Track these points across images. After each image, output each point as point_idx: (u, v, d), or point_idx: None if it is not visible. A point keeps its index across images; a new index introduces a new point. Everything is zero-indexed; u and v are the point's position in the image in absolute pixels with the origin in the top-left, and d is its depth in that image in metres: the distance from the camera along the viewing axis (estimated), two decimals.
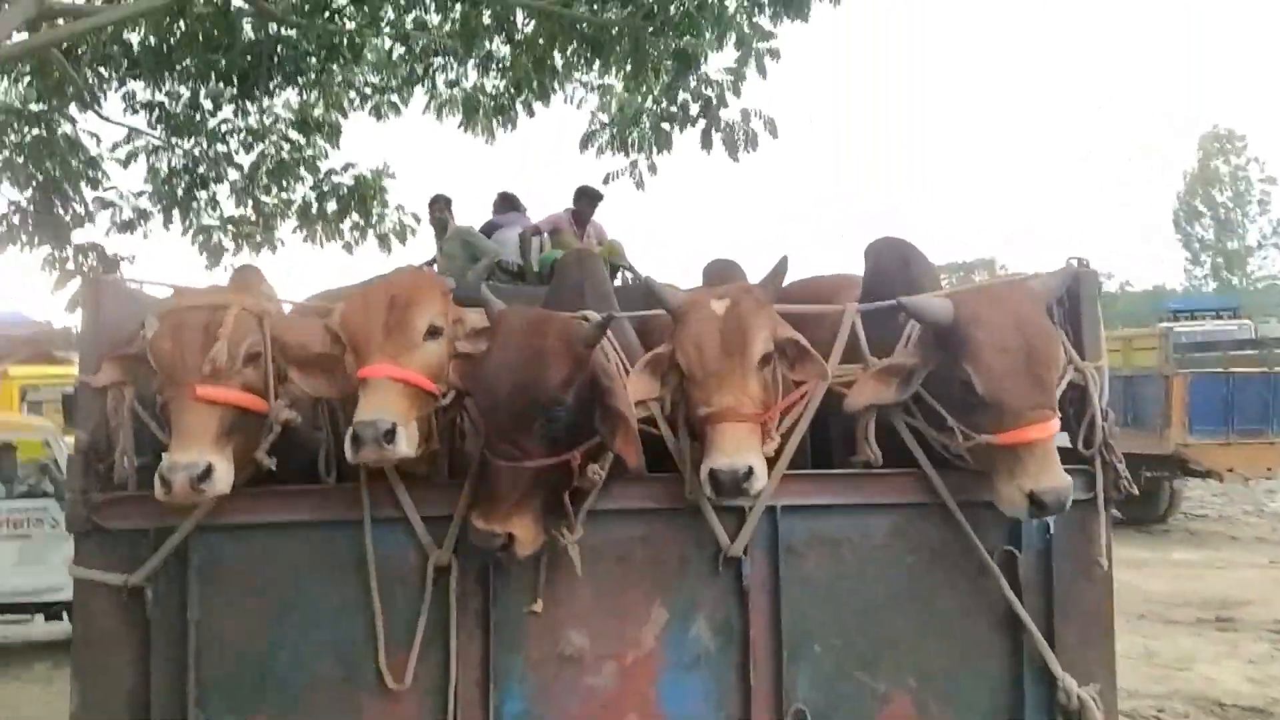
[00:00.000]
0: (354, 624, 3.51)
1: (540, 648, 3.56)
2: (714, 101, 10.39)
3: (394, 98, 12.40)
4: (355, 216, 12.86)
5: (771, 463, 3.44)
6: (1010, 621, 3.62)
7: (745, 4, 9.69)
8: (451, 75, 11.94)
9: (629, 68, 10.46)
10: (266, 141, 12.57)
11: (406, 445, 3.19)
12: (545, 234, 9.30)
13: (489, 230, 9.48)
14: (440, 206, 9.97)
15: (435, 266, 9.15)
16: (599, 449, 3.46)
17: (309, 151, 12.78)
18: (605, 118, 11.60)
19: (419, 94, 12.26)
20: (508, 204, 9.85)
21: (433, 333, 3.42)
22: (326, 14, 10.64)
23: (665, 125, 10.87)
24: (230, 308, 3.42)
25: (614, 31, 10.02)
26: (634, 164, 11.22)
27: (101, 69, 11.50)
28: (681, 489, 3.57)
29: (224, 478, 3.27)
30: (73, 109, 11.96)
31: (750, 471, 3.25)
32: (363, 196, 12.68)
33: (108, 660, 3.50)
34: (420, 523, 3.50)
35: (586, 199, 9.45)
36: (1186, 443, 15.21)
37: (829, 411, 3.71)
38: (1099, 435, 3.57)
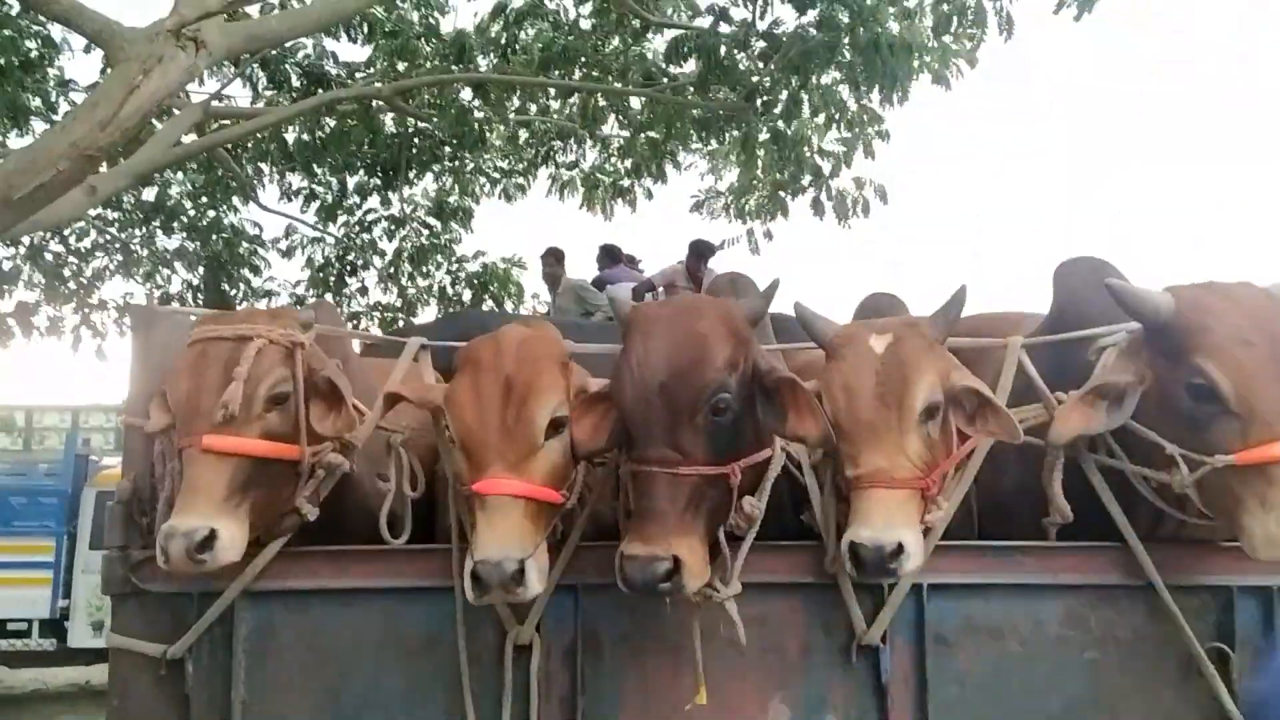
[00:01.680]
0: (422, 710, 2.89)
1: None
2: (823, 172, 10.15)
3: (520, 180, 12.55)
4: (490, 303, 12.86)
5: (925, 534, 2.68)
6: None
7: (845, 83, 9.36)
8: (571, 157, 12.06)
9: (738, 148, 10.46)
10: (407, 228, 12.77)
11: (538, 582, 2.60)
12: (660, 289, 8.88)
13: (599, 285, 9.06)
14: (552, 260, 9.62)
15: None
16: (755, 478, 2.77)
17: (446, 237, 12.91)
18: (720, 185, 11.54)
19: (542, 176, 12.37)
20: (611, 257, 9.54)
21: (557, 426, 2.74)
22: (456, 108, 10.79)
23: (781, 194, 10.65)
24: (253, 340, 2.81)
25: (721, 114, 9.93)
26: (750, 231, 11.14)
27: (260, 164, 12.02)
28: (808, 560, 2.85)
29: (230, 545, 2.64)
30: (235, 200, 12.52)
31: (900, 549, 2.49)
32: (485, 284, 12.76)
33: None
34: None
35: (696, 255, 9.10)
36: None
37: (994, 466, 2.96)
38: None
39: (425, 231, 12.96)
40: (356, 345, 3.90)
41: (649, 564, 2.48)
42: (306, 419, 2.89)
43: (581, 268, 9.87)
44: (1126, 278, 3.11)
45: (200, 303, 12.25)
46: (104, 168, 8.38)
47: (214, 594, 2.88)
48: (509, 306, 12.99)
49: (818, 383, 2.87)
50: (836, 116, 9.75)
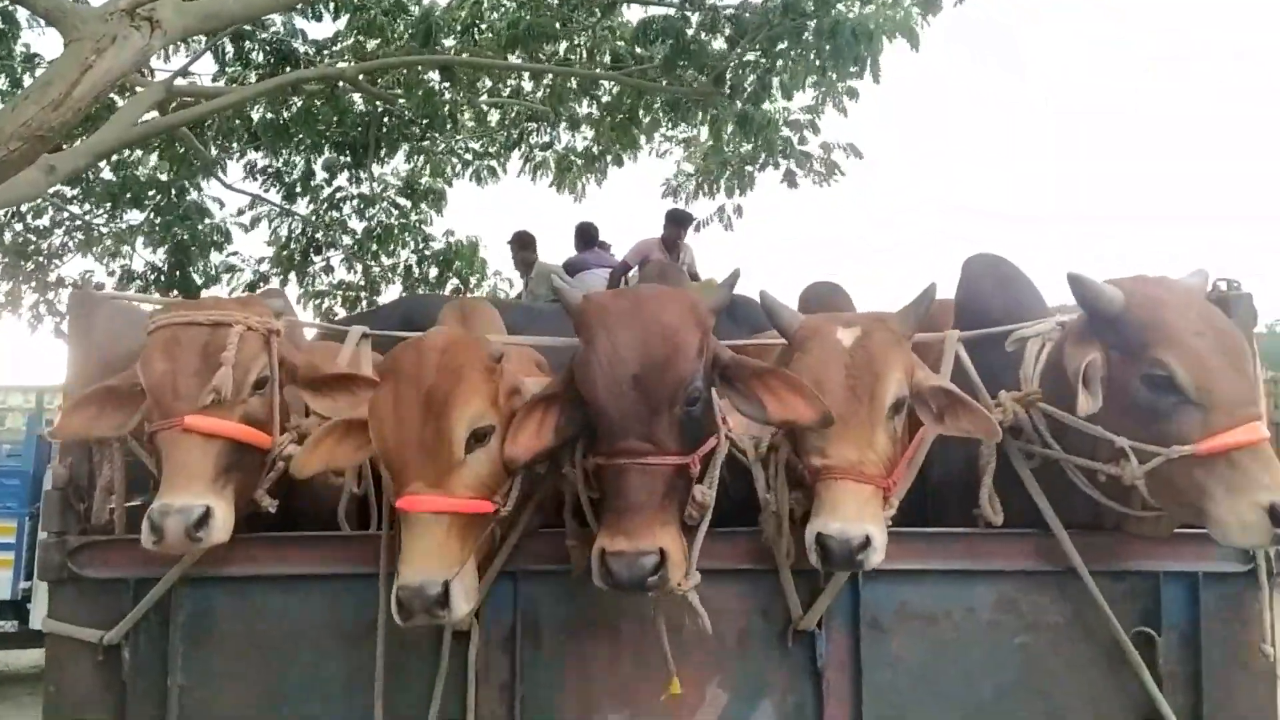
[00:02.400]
0: (359, 696, 2.86)
1: None
2: (792, 143, 10.26)
3: (493, 163, 12.43)
4: (455, 281, 12.91)
5: None
6: None
7: (816, 66, 9.34)
8: (545, 138, 12.03)
9: (704, 127, 10.62)
10: (377, 208, 12.67)
11: (465, 603, 2.53)
12: (636, 268, 8.92)
13: (573, 267, 8.93)
14: (518, 245, 9.49)
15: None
16: (703, 467, 2.71)
17: (415, 218, 12.84)
18: (690, 168, 11.57)
19: (514, 158, 12.32)
20: (585, 239, 9.39)
21: (481, 437, 2.65)
22: (424, 90, 10.77)
23: (749, 168, 10.74)
24: (234, 326, 2.81)
25: (689, 97, 10.00)
26: (720, 208, 11.22)
27: (224, 141, 11.86)
28: (747, 546, 2.86)
29: (223, 524, 2.64)
30: (199, 178, 12.32)
31: (867, 542, 2.50)
32: (450, 261, 12.72)
33: None
34: None
35: (675, 223, 9.04)
36: None
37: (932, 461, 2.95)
38: None
39: (395, 211, 12.89)
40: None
41: (636, 559, 2.44)
42: (280, 406, 2.91)
43: (551, 249, 9.78)
44: (1024, 274, 3.16)
45: (163, 283, 12.13)
46: (64, 147, 8.32)
47: (152, 580, 2.86)
48: (475, 283, 12.99)
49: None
50: (803, 88, 9.82)
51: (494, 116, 12.22)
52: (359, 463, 2.90)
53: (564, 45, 10.66)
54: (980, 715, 2.85)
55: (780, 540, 2.82)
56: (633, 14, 10.47)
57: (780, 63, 9.54)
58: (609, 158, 11.72)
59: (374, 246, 12.83)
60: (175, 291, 11.96)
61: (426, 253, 12.98)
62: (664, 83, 10.08)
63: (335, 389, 2.90)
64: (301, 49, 10.81)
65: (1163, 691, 2.79)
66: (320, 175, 12.48)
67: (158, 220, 12.17)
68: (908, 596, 2.90)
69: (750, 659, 2.89)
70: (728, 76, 9.64)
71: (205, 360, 2.78)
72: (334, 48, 11.05)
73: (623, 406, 2.57)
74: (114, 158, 11.18)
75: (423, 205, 12.94)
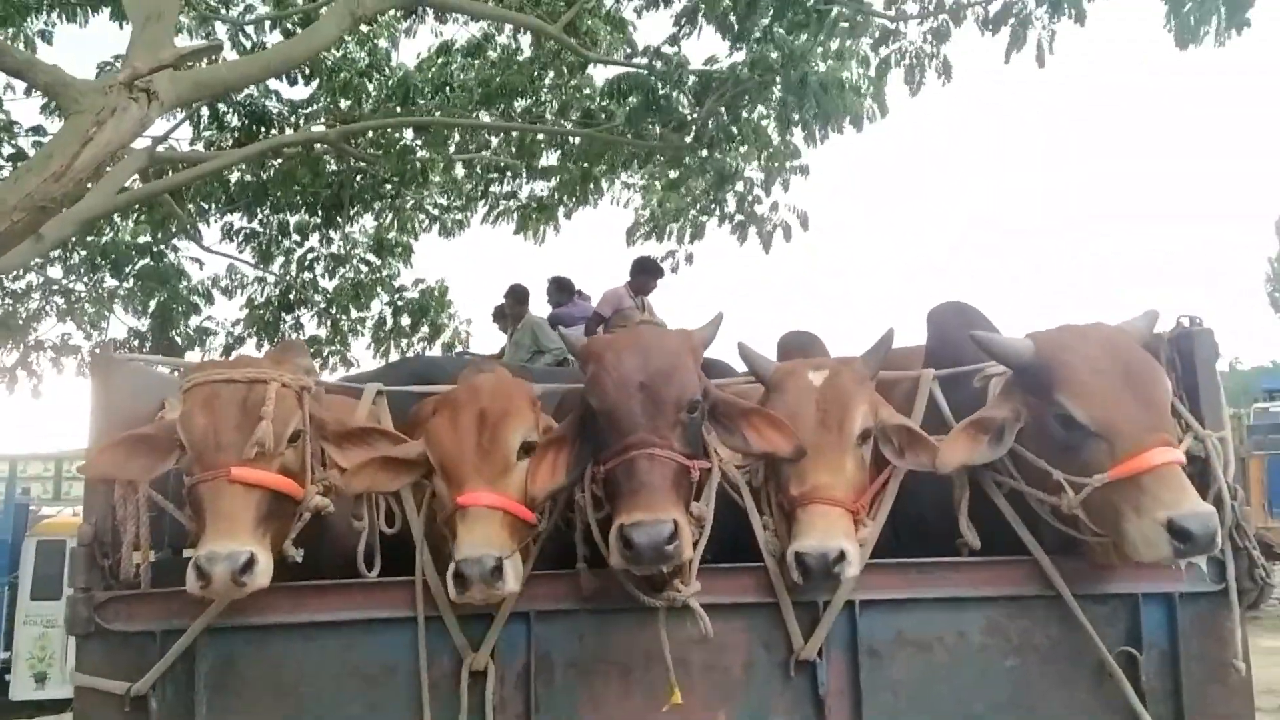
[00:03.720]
0: None
1: None
2: (746, 199, 10.56)
3: (459, 216, 12.77)
4: (425, 329, 13.18)
5: None
6: None
7: (777, 118, 9.67)
8: (508, 188, 12.32)
9: (669, 177, 10.92)
10: (348, 266, 12.91)
11: (514, 580, 2.79)
12: (609, 317, 9.04)
13: (559, 321, 8.94)
14: (517, 300, 9.42)
15: (504, 357, 8.81)
16: (699, 488, 2.95)
17: (385, 272, 13.08)
18: (647, 214, 11.86)
19: (479, 208, 12.61)
20: (563, 290, 9.46)
21: (527, 450, 3.01)
22: (399, 148, 10.98)
23: (703, 218, 11.10)
24: (270, 383, 2.98)
25: (655, 148, 10.24)
26: (671, 253, 11.49)
27: (203, 203, 12.04)
28: (749, 581, 3.03)
29: (265, 569, 2.78)
30: (176, 241, 12.47)
31: (842, 555, 2.74)
32: (425, 308, 12.97)
33: None
34: (454, 621, 2.98)
35: (646, 273, 9.00)
36: (1267, 525, 13.99)
37: (914, 494, 3.14)
38: (1228, 516, 2.91)
39: (365, 269, 13.11)
40: None
41: (655, 526, 2.63)
42: (311, 459, 3.07)
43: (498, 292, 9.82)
44: (988, 319, 3.40)
45: (147, 348, 12.17)
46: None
47: (176, 631, 2.96)
48: (445, 325, 13.21)
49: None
50: (760, 152, 10.19)
51: (460, 170, 12.50)
52: (398, 486, 3.11)
53: (533, 102, 10.91)
54: None
55: (780, 571, 2.98)
56: (601, 73, 10.77)
57: (745, 115, 9.86)
58: (567, 207, 12.07)
59: (345, 302, 13.03)
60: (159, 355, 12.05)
61: (400, 303, 13.21)
62: (630, 135, 10.33)
63: (357, 443, 3.07)
64: (275, 109, 10.98)
65: (1145, 706, 2.95)
66: (294, 236, 12.67)
67: (137, 285, 12.27)
68: (903, 624, 3.04)
69: (755, 689, 3.01)
70: (694, 127, 9.93)
71: (245, 415, 2.93)
72: (309, 109, 11.21)
73: (632, 407, 2.84)
74: (95, 224, 11.27)
75: (390, 260, 13.18)
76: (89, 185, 8.37)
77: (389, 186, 11.90)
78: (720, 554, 3.11)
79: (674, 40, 9.56)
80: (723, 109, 9.72)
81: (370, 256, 13.14)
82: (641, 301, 8.89)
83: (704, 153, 10.14)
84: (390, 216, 12.93)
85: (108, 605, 3.01)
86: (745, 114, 9.96)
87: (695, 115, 9.89)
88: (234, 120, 10.86)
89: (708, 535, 2.93)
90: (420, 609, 3.02)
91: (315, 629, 3.05)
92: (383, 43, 11.00)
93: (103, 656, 3.01)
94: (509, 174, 12.08)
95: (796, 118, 9.24)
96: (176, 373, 3.55)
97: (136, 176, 9.29)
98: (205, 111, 10.72)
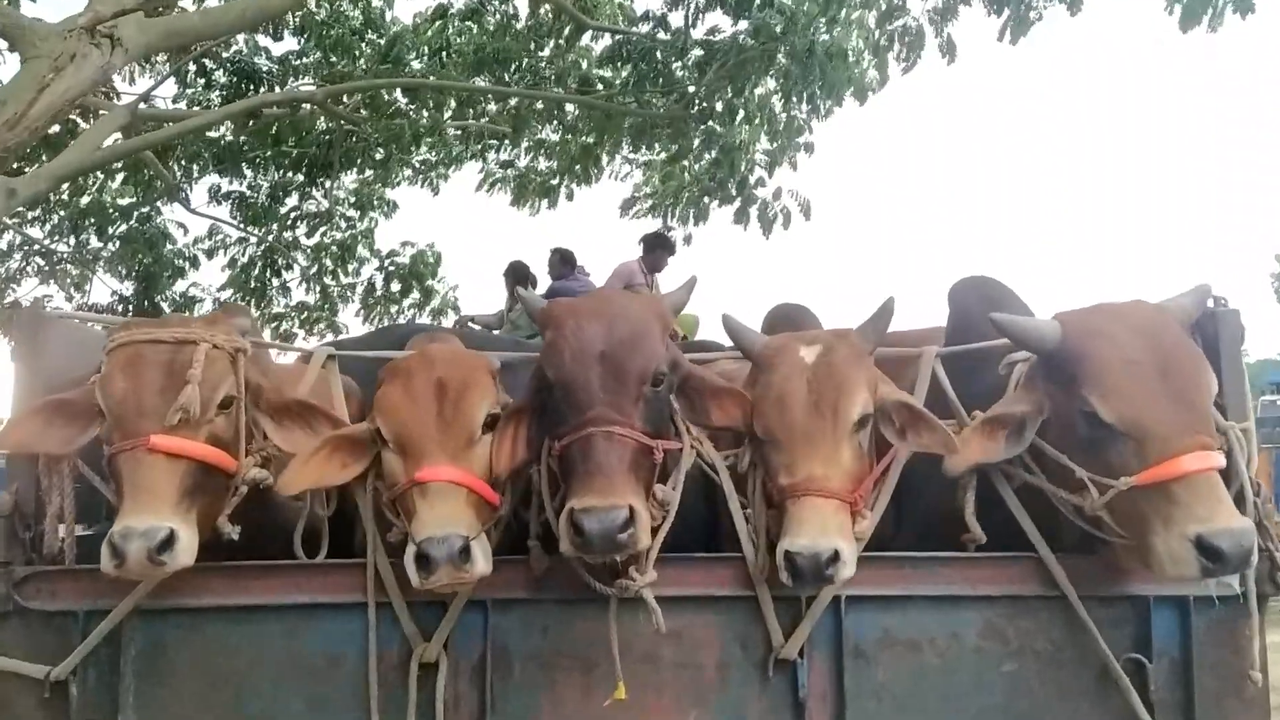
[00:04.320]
0: None
1: None
2: (749, 181, 10.21)
3: (443, 170, 12.47)
4: (415, 295, 12.96)
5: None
6: None
7: (781, 91, 9.42)
8: (504, 156, 12.04)
9: (671, 151, 10.56)
10: (330, 224, 12.64)
11: (485, 562, 2.54)
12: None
13: (557, 294, 8.91)
14: (516, 278, 9.21)
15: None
16: (666, 470, 2.74)
17: (364, 225, 12.85)
18: (648, 189, 11.56)
19: (472, 171, 12.35)
20: (565, 263, 9.21)
21: (489, 425, 2.75)
22: (390, 111, 10.71)
23: (705, 199, 10.76)
24: (200, 344, 2.70)
25: (655, 121, 9.95)
26: (669, 229, 11.12)
27: (188, 164, 11.78)
28: (725, 572, 2.78)
29: (188, 548, 2.52)
30: (161, 203, 12.28)
31: (836, 556, 2.48)
32: (418, 274, 12.73)
33: None
34: (405, 608, 2.74)
35: (661, 248, 8.88)
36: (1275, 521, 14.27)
37: (916, 481, 2.91)
38: (1250, 513, 2.63)
39: (344, 224, 12.92)
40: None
41: (607, 514, 2.39)
42: (246, 428, 2.80)
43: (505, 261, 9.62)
44: (1016, 296, 3.12)
45: (130, 311, 11.97)
46: (25, 170, 8.16)
47: (102, 612, 2.73)
48: (435, 291, 13.01)
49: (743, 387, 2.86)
50: (766, 126, 9.88)
51: (452, 132, 12.20)
52: (348, 479, 2.81)
53: (529, 71, 10.63)
54: None
55: (758, 561, 2.75)
56: (600, 42, 10.47)
57: (749, 88, 9.58)
58: (566, 185, 11.76)
59: (330, 265, 12.84)
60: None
61: (390, 267, 12.98)
62: (633, 104, 10.05)
63: (295, 420, 2.83)
64: (265, 67, 10.72)
65: (1154, 718, 2.73)
66: (279, 196, 12.43)
67: (122, 247, 12.06)
68: (891, 623, 2.81)
69: (729, 690, 2.78)
70: (698, 100, 9.62)
71: (170, 379, 2.66)
72: (297, 64, 10.93)
73: (590, 380, 2.58)
74: (77, 183, 11.05)
75: (371, 214, 12.98)
76: (53, 136, 8.16)
77: (380, 151, 11.63)
78: (696, 542, 2.90)
79: (674, 4, 9.26)
80: (727, 84, 9.42)
81: (351, 212, 12.92)
82: (652, 279, 8.70)
83: (706, 125, 9.82)
84: (374, 174, 12.65)
85: (27, 581, 2.78)
86: (749, 87, 9.65)
87: (698, 89, 9.58)
88: (221, 78, 10.59)
89: (671, 520, 2.68)
90: (371, 594, 2.78)
91: (254, 613, 2.81)
92: (377, 1, 10.72)
93: (21, 637, 2.77)
94: (505, 142, 11.77)
95: (801, 90, 8.96)
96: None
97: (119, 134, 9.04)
98: (192, 68, 10.46)
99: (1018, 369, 2.87)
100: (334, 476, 2.79)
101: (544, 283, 9.40)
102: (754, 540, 2.80)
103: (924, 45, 8.88)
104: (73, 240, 12.31)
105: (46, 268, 12.44)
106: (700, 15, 9.20)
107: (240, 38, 10.44)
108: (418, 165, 12.55)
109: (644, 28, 9.68)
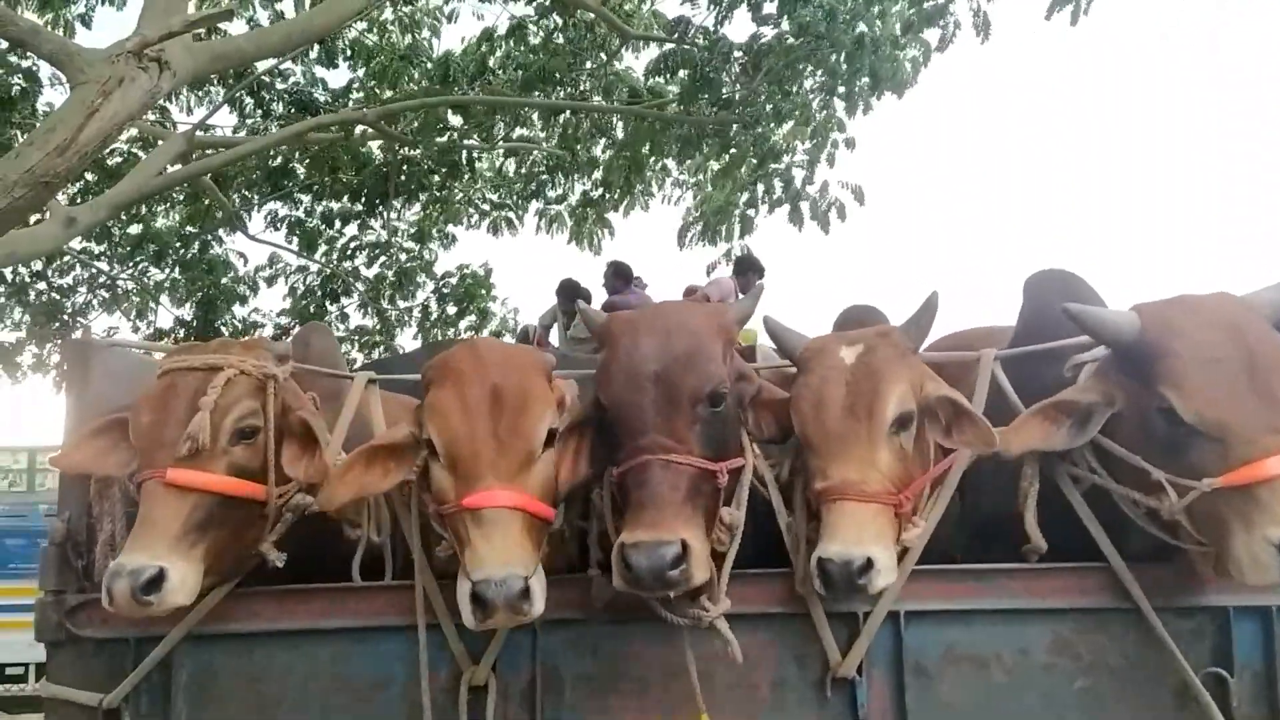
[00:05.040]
0: None
1: None
2: (794, 183, 10.17)
3: (510, 215, 12.57)
4: (472, 318, 13.11)
5: (901, 555, 2.58)
6: None
7: (823, 88, 9.40)
8: (559, 191, 12.11)
9: (720, 162, 10.57)
10: (389, 254, 12.84)
11: (542, 599, 2.43)
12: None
13: (614, 307, 8.87)
14: (568, 295, 9.27)
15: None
16: (731, 489, 2.66)
17: (427, 256, 13.04)
18: (698, 213, 11.54)
19: (530, 210, 12.46)
20: (619, 276, 9.29)
21: (550, 439, 2.63)
22: (444, 134, 10.81)
23: (750, 212, 10.71)
24: (222, 370, 2.69)
25: (703, 130, 9.96)
26: (728, 252, 11.12)
27: (246, 192, 12.01)
28: (779, 588, 2.73)
29: (180, 586, 2.48)
30: (222, 232, 12.60)
31: (869, 564, 2.37)
32: (472, 294, 12.85)
33: None
34: (454, 630, 2.71)
35: (751, 270, 9.14)
36: None
37: (978, 487, 2.83)
38: None
39: (404, 255, 13.08)
40: None
41: (656, 549, 2.33)
42: (276, 457, 2.76)
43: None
44: (1095, 291, 3.01)
45: (193, 338, 12.27)
46: (67, 196, 8.38)
47: (153, 639, 2.75)
48: (491, 312, 13.23)
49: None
50: (805, 128, 9.87)
51: (510, 166, 12.36)
52: (391, 486, 2.73)
53: (575, 90, 10.70)
54: None
55: (803, 572, 2.67)
56: (644, 54, 10.53)
57: (796, 88, 9.53)
58: (615, 200, 11.80)
59: (389, 291, 13.03)
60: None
61: (445, 290, 13.14)
62: (684, 110, 10.03)
63: (300, 443, 2.81)
64: (320, 98, 10.94)
65: None
66: (337, 224, 12.66)
67: (182, 276, 12.34)
68: (955, 639, 2.73)
69: (785, 710, 2.72)
70: (744, 104, 9.64)
71: (191, 407, 2.65)
72: (350, 96, 11.15)
73: (644, 403, 2.52)
74: (135, 211, 11.36)
75: (432, 246, 13.14)
76: (108, 164, 8.33)
77: (436, 178, 11.70)
78: (759, 557, 2.82)
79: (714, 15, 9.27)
80: (773, 87, 9.39)
81: (410, 244, 13.07)
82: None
83: (755, 132, 9.79)
84: (436, 209, 12.75)
85: (80, 610, 2.81)
86: (793, 88, 9.60)
87: (746, 94, 9.55)
88: (278, 108, 10.82)
89: (738, 543, 2.62)
90: (421, 616, 2.75)
91: (302, 637, 2.82)
92: (425, 32, 10.90)
93: (74, 665, 2.82)
94: (559, 174, 11.81)
95: (841, 89, 8.89)
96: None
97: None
98: (250, 100, 10.72)
99: (1086, 368, 2.77)
100: (376, 485, 2.69)
101: (599, 297, 9.42)
102: (800, 553, 2.72)
103: (959, 25, 8.77)
104: (133, 268, 12.63)
105: (110, 298, 12.80)
106: (728, 15, 9.22)
107: (298, 69, 10.65)
108: (483, 206, 12.68)
109: (686, 36, 9.70)
